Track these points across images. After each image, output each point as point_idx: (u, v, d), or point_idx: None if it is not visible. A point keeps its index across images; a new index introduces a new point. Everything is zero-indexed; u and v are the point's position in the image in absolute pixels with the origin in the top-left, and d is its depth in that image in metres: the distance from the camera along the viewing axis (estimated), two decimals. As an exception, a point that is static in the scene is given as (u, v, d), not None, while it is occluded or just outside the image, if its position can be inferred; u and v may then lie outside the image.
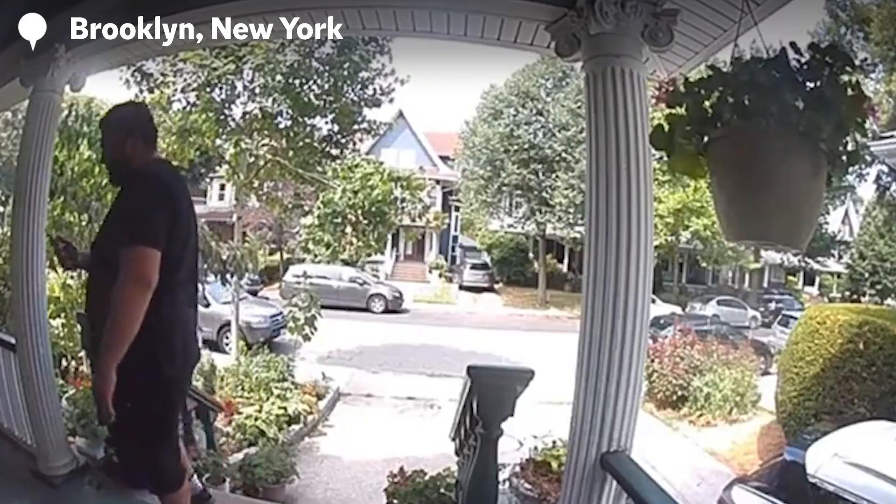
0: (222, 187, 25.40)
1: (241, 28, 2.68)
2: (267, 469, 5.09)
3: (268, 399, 7.66)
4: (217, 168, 18.42)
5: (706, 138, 1.33)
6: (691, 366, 9.99)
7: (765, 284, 29.59)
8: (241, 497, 4.47)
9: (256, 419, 6.95)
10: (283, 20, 2.59)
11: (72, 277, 6.18)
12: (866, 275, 22.78)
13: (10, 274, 3.40)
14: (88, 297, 2.30)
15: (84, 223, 5.95)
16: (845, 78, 1.22)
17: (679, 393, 9.87)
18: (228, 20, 2.55)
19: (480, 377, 2.58)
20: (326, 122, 11.60)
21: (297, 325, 9.73)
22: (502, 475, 3.64)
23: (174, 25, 2.55)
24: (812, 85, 1.22)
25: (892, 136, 6.30)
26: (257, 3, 2.47)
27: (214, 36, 2.76)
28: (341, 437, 7.92)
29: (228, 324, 10.91)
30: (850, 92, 1.21)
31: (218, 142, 11.09)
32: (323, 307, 10.42)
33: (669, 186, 21.02)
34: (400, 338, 15.17)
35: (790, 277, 31.23)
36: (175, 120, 10.45)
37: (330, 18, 2.56)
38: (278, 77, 10.17)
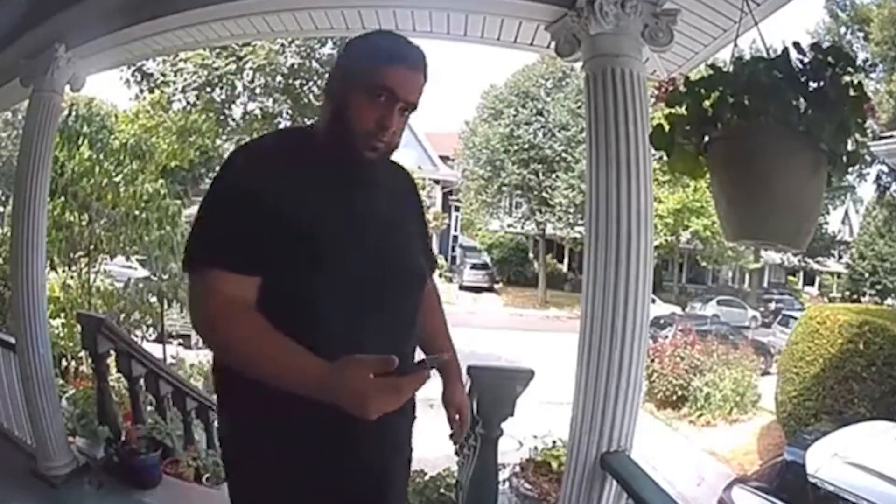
0: (222, 187, 25.32)
1: (241, 28, 2.69)
2: (267, 469, 5.08)
3: (268, 399, 7.65)
4: (217, 168, 18.44)
5: (706, 138, 1.33)
6: (691, 366, 10.00)
7: (765, 284, 29.59)
8: (241, 497, 4.47)
9: (256, 419, 6.94)
10: (284, 20, 2.60)
11: (71, 277, 6.19)
12: (866, 275, 22.78)
13: (10, 274, 3.40)
14: (393, 328, 1.23)
15: (84, 223, 5.95)
16: (847, 78, 1.21)
17: (679, 393, 9.88)
18: (229, 20, 2.56)
19: (480, 377, 2.58)
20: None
21: (297, 325, 9.72)
22: (502, 475, 3.64)
23: (174, 25, 2.55)
24: (814, 85, 1.22)
25: (892, 136, 6.29)
26: (257, 3, 2.47)
27: (214, 36, 2.77)
28: (341, 437, 7.91)
29: (228, 324, 10.87)
30: (852, 93, 1.21)
31: (218, 142, 11.11)
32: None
33: (669, 186, 21.02)
34: (400, 338, 15.13)
35: (790, 277, 31.24)
36: (175, 120, 10.47)
37: (330, 18, 2.56)
38: (279, 78, 10.19)
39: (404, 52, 1.18)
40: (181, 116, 10.41)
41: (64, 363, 5.28)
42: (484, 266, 26.99)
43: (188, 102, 10.44)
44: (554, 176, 22.50)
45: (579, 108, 20.34)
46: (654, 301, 2.81)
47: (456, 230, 30.53)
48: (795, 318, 10.41)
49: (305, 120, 11.17)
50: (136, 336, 6.40)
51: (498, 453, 2.61)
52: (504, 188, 23.76)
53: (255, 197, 1.09)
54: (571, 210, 22.17)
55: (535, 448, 4.26)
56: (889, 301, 21.14)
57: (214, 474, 3.63)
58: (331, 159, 1.17)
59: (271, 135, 1.47)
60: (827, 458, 4.41)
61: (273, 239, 1.08)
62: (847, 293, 24.22)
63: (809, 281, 31.42)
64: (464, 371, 2.64)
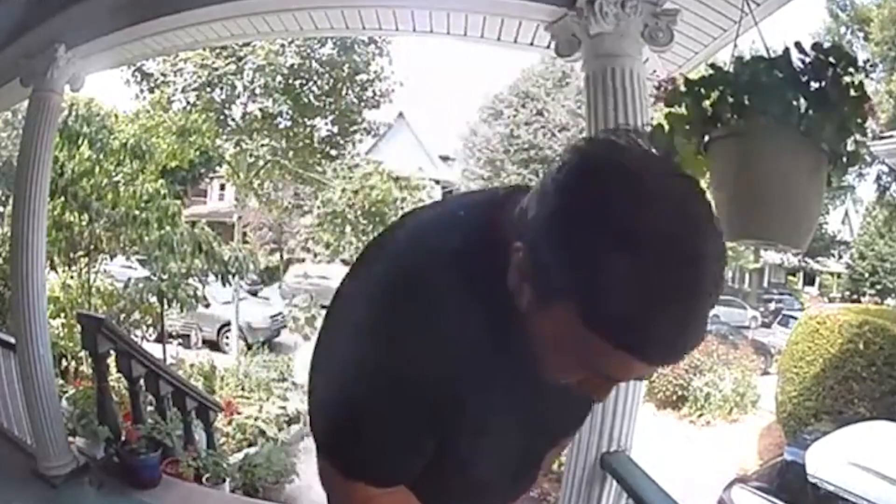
0: (222, 187, 25.30)
1: (241, 28, 2.69)
2: (267, 469, 5.09)
3: (268, 399, 7.67)
4: (217, 168, 18.41)
5: (706, 138, 1.33)
6: (691, 366, 9.99)
7: (765, 284, 29.56)
8: (241, 497, 4.47)
9: (256, 419, 6.94)
10: (284, 20, 2.60)
11: (71, 277, 6.19)
12: (866, 275, 22.77)
13: (10, 274, 3.40)
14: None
15: (84, 223, 5.95)
16: (848, 79, 1.21)
17: (679, 393, 9.87)
18: (229, 20, 2.56)
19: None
20: (326, 123, 11.65)
21: (297, 325, 9.75)
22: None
23: (174, 25, 2.55)
24: (815, 85, 1.21)
25: (892, 136, 6.29)
26: (257, 3, 2.47)
27: (214, 36, 2.78)
28: (341, 437, 7.91)
29: (228, 324, 10.91)
30: (853, 93, 1.21)
31: (218, 142, 11.12)
32: (323, 307, 10.43)
33: (669, 186, 20.98)
34: (400, 338, 15.12)
35: (790, 277, 31.20)
36: (175, 120, 10.47)
37: (330, 18, 2.56)
38: (279, 78, 10.20)
39: (671, 343, 0.65)
40: (181, 116, 10.41)
41: (64, 363, 5.27)
42: (484, 266, 26.95)
43: (188, 102, 10.44)
44: (554, 176, 22.49)
45: (579, 108, 20.33)
46: (654, 301, 2.78)
47: (456, 230, 30.43)
48: (795, 318, 10.41)
49: (305, 120, 11.16)
50: (136, 336, 6.40)
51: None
52: (504, 188, 23.75)
53: (435, 401, 0.77)
54: (571, 210, 22.13)
55: (535, 448, 4.26)
56: (889, 301, 21.12)
57: (214, 474, 3.63)
58: (516, 366, 0.80)
59: (449, 310, 0.79)
60: (827, 458, 4.42)
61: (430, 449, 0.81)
62: (847, 293, 24.19)
63: (809, 281, 31.37)
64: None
